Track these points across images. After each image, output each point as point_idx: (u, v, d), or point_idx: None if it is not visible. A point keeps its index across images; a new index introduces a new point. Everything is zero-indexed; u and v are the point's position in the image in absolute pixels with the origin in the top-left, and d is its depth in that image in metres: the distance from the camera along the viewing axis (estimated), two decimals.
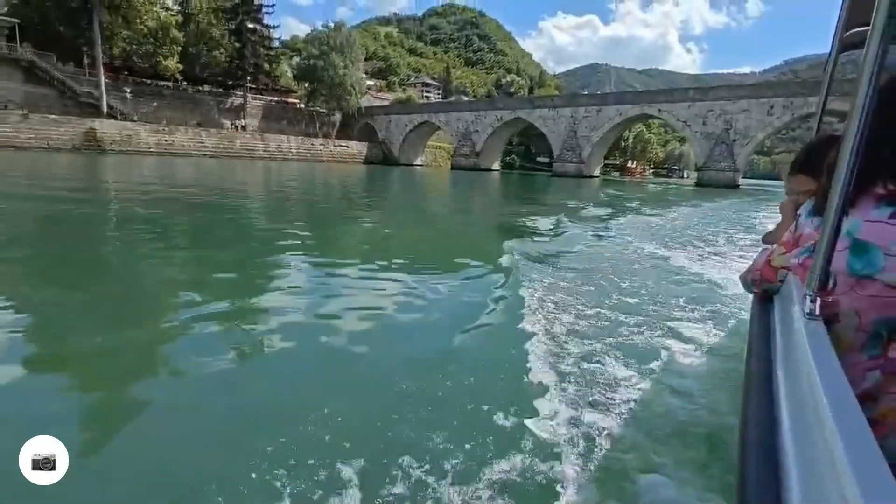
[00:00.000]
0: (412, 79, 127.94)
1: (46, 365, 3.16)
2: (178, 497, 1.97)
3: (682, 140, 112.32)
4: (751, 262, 1.48)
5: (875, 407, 0.91)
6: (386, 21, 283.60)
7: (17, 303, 4.22)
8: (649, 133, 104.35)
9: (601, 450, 2.27)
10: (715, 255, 8.29)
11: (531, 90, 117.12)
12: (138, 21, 43.16)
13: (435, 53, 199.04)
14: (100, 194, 13.82)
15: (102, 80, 40.93)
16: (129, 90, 44.28)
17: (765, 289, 1.33)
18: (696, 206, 20.53)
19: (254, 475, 2.01)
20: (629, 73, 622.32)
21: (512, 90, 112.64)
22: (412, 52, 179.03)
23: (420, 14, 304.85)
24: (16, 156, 28.08)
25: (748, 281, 1.43)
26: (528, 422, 2.47)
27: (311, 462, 2.09)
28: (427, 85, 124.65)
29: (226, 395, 2.81)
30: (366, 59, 60.50)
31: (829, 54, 2.22)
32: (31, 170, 20.02)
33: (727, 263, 7.32)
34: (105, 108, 41.05)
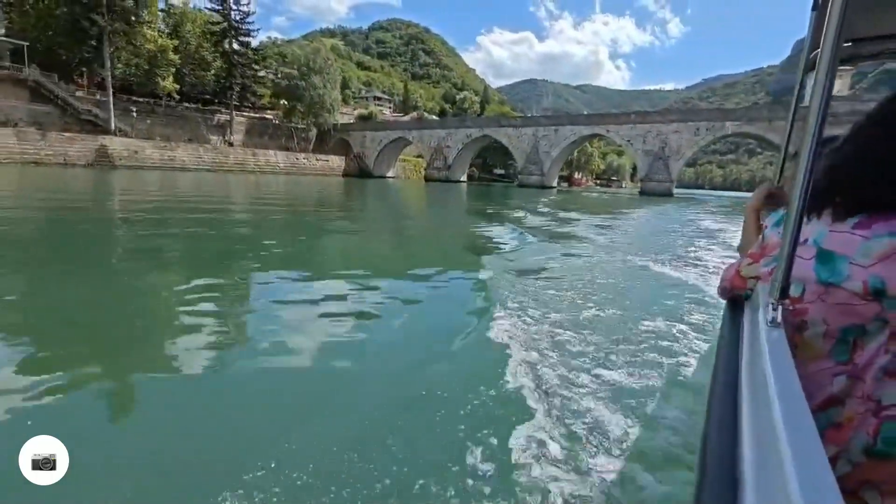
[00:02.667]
0: (363, 92, 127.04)
1: (47, 366, 3.20)
2: (177, 497, 2.07)
3: (620, 153, 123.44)
4: (723, 270, 1.45)
5: (841, 411, 0.92)
6: (331, 33, 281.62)
7: (18, 304, 4.50)
8: (592, 147, 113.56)
9: (577, 460, 2.33)
10: (681, 258, 8.79)
11: (482, 105, 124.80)
12: (137, 45, 46.04)
13: (382, 67, 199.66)
14: (124, 208, 14.33)
15: (111, 99, 43.24)
16: (134, 109, 46.65)
17: (737, 296, 1.34)
18: (648, 209, 27.42)
19: (244, 477, 2.09)
20: (565, 89, 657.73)
21: (465, 106, 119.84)
22: (360, 65, 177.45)
23: (365, 28, 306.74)
24: (40, 171, 29.91)
25: (721, 289, 1.41)
26: (508, 440, 2.51)
27: (295, 473, 2.15)
28: (378, 99, 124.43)
29: (220, 400, 2.97)
30: (317, 73, 64.60)
31: (799, 75, 2.09)
32: (65, 185, 21.10)
33: (699, 267, 7.91)
34: (113, 127, 43.34)
